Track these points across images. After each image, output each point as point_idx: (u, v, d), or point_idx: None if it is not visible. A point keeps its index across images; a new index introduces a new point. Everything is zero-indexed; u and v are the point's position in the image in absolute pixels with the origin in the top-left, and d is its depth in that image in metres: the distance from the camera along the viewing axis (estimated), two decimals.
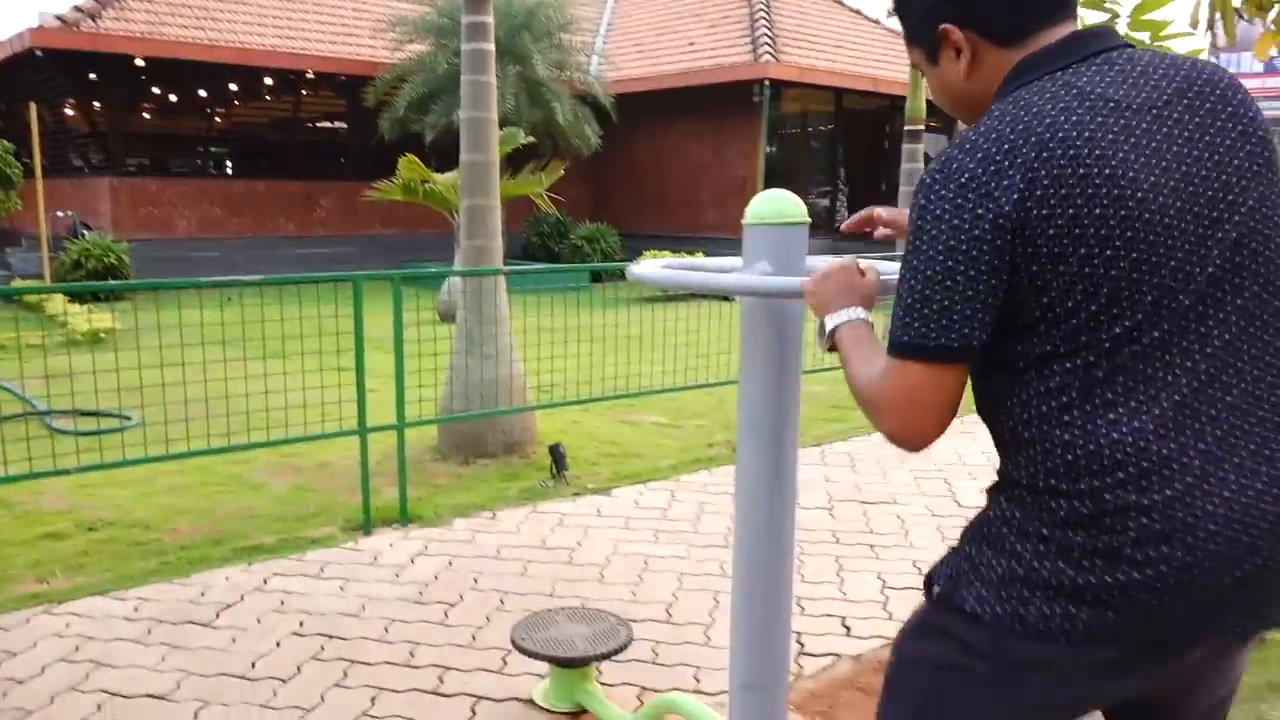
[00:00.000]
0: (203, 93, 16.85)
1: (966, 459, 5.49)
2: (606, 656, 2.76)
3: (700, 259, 2.29)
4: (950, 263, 1.18)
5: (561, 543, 4.16)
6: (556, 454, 5.08)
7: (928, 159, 8.32)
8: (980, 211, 1.16)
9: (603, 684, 2.90)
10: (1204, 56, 3.18)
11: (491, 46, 5.43)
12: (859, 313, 1.47)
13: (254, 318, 4.75)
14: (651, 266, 2.06)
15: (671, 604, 3.55)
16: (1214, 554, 1.15)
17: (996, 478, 1.35)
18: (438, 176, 11.16)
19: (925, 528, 4.40)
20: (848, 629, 3.36)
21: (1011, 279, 1.18)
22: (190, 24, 15.07)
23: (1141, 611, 1.17)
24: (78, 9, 14.21)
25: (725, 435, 6.01)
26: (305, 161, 17.78)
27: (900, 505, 4.71)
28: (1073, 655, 1.22)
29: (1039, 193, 1.14)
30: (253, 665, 3.05)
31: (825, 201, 18.21)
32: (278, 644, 3.19)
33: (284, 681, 2.95)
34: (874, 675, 3.06)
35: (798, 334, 2.04)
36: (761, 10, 17.52)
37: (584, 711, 2.77)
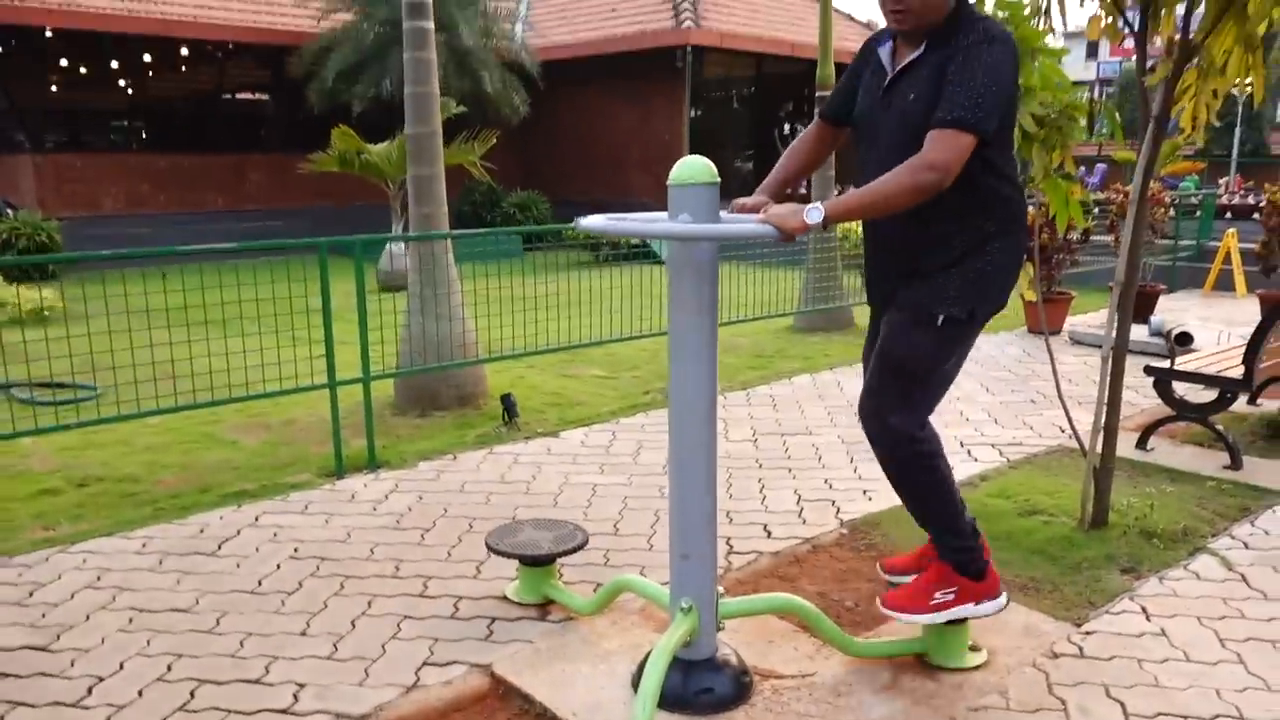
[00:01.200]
0: (125, 65, 16.68)
1: None
2: (568, 553, 3.29)
3: (629, 215, 2.80)
4: (1008, 90, 2.49)
5: (518, 477, 4.67)
6: (508, 403, 5.58)
7: None
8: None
9: (564, 583, 3.44)
10: (1054, 39, 3.79)
11: (431, 25, 5.83)
12: (815, 205, 2.39)
13: (193, 288, 4.95)
14: (600, 219, 2.58)
15: (619, 521, 4.10)
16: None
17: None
18: (372, 148, 11.44)
19: (837, 453, 5.01)
20: (769, 533, 3.95)
21: None
22: None
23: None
24: None
25: (659, 384, 6.56)
26: (232, 134, 17.73)
27: (815, 436, 5.32)
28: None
29: None
30: (259, 583, 3.51)
31: (749, 165, 18.80)
32: (278, 566, 3.66)
33: (289, 594, 3.42)
34: (790, 566, 3.66)
35: (714, 272, 2.58)
36: None
37: (550, 602, 3.31)
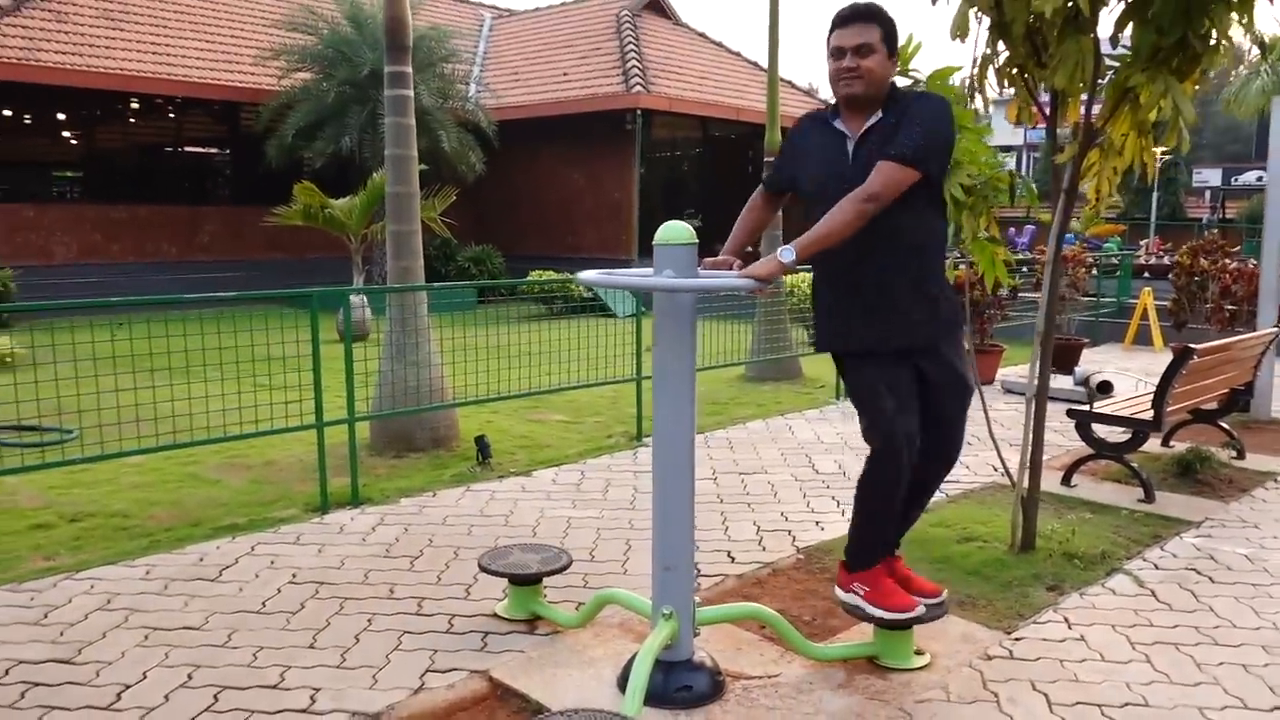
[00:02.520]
0: (80, 116, 16.82)
1: (823, 439, 6.59)
2: (554, 573, 3.63)
3: (616, 270, 3.21)
4: (947, 135, 3.00)
5: (497, 511, 4.99)
6: (481, 444, 5.90)
7: None
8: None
9: (548, 602, 3.76)
10: (988, 107, 4.33)
11: (411, 92, 6.23)
12: (785, 247, 2.84)
13: (153, 335, 5.05)
14: (595, 274, 2.97)
15: (594, 549, 4.43)
16: None
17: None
18: (334, 202, 11.76)
19: (791, 489, 5.41)
20: (732, 559, 4.32)
21: None
22: (68, 49, 15.11)
23: None
24: None
25: (622, 428, 6.92)
26: (187, 186, 17.91)
27: (770, 475, 5.73)
28: None
29: None
30: (263, 605, 3.77)
31: (697, 222, 19.43)
32: (279, 590, 3.92)
33: (293, 613, 3.69)
34: (753, 587, 4.03)
35: (693, 316, 2.99)
36: (631, 43, 18.67)
37: (537, 618, 3.63)
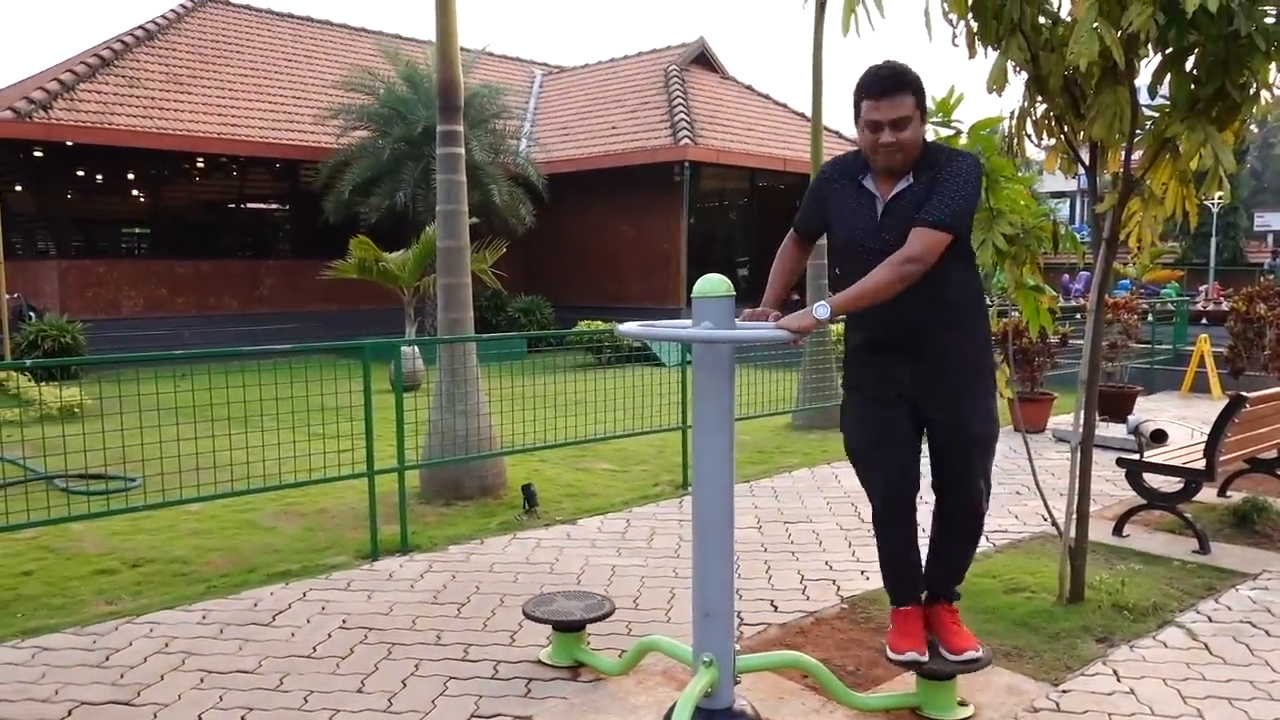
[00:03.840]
0: (146, 176, 17.50)
1: None
2: (598, 620, 3.67)
3: (659, 321, 3.28)
4: (974, 199, 3.06)
5: (542, 559, 5.05)
6: (528, 492, 5.98)
7: None
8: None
9: (591, 649, 3.79)
10: (1033, 164, 4.36)
11: (462, 150, 6.44)
12: (821, 303, 2.89)
13: (213, 386, 5.23)
14: (635, 326, 3.05)
15: (638, 597, 4.46)
16: None
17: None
18: (388, 256, 12.07)
19: (836, 539, 5.40)
20: (775, 608, 4.32)
21: None
22: (138, 113, 15.79)
23: None
24: (29, 100, 14.83)
25: (668, 477, 6.96)
26: (247, 241, 18.50)
27: (815, 523, 5.72)
28: None
29: None
30: (314, 649, 3.86)
31: (744, 271, 19.55)
32: (329, 635, 4.01)
33: (343, 658, 3.77)
34: (796, 636, 4.02)
35: (732, 367, 3.05)
36: (679, 96, 18.98)
37: (580, 665, 3.66)
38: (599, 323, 14.49)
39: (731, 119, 19.71)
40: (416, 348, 11.48)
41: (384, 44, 18.19)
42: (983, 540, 5.39)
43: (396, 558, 5.09)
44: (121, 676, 3.62)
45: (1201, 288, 24.73)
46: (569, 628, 3.64)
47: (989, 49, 3.84)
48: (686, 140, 17.33)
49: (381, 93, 16.11)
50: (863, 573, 4.76)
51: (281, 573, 4.85)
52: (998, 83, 3.97)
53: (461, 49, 6.58)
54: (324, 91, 18.10)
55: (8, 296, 15.34)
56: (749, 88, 22.33)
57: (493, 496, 6.31)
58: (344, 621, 4.16)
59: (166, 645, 3.91)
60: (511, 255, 14.50)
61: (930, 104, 3.49)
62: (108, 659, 3.78)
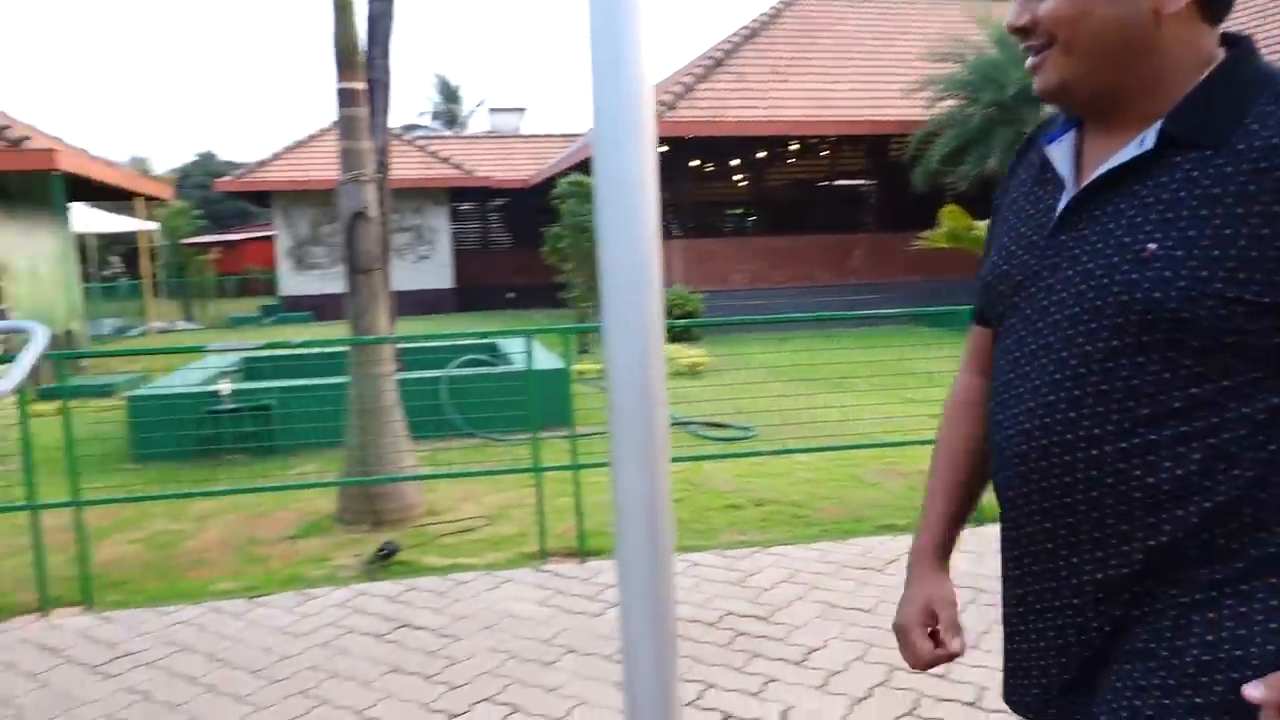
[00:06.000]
0: (746, 161, 19.36)
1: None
2: None
3: None
4: None
5: None
6: None
7: None
8: None
9: None
10: None
11: None
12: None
13: (814, 348, 5.67)
14: None
15: None
16: None
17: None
18: (978, 224, 11.83)
19: None
20: None
21: None
22: (745, 105, 17.46)
23: None
24: (660, 102, 17.23)
25: None
26: (837, 217, 19.48)
27: None
28: None
29: None
30: None
31: None
32: None
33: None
34: None
35: None
36: None
37: None
38: None
39: None
40: None
41: (975, 9, 17.75)
42: None
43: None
44: (758, 597, 4.11)
45: None
46: None
47: None
48: None
49: (971, 59, 15.76)
50: None
51: (888, 525, 5.08)
52: None
53: None
54: (912, 65, 18.24)
55: None
56: None
57: None
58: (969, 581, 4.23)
59: (791, 575, 4.34)
60: None
61: None
62: (744, 580, 4.31)
